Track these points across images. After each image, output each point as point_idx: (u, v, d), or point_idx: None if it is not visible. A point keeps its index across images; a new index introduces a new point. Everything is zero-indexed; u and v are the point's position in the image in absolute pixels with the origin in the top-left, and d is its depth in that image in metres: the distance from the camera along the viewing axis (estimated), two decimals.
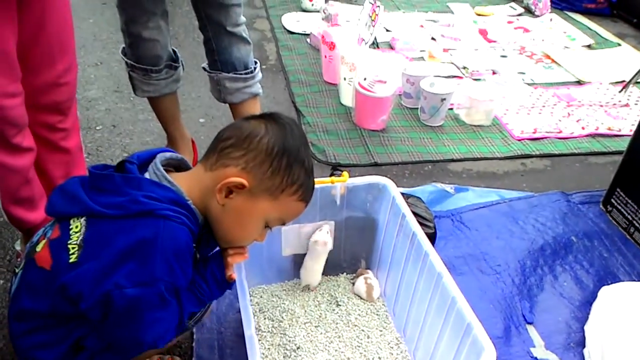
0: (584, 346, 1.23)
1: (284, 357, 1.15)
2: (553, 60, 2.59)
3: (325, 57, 2.28)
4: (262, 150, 0.89)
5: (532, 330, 1.28)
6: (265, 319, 1.23)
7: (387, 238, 1.26)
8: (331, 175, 1.30)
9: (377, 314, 1.26)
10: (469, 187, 1.73)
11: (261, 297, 1.28)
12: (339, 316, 1.25)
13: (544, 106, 2.21)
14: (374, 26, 2.29)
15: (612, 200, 1.62)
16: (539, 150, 1.95)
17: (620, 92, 2.29)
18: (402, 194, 1.26)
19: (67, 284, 0.83)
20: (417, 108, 2.12)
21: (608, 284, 1.34)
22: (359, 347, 1.18)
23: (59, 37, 1.16)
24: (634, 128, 1.54)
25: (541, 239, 1.52)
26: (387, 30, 2.78)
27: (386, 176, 1.27)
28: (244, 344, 0.92)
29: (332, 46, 2.21)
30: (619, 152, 1.93)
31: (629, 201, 1.56)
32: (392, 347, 1.18)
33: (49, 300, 0.87)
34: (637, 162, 1.55)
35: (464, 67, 2.46)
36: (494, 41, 2.76)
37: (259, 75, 1.62)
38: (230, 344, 1.19)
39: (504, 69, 2.47)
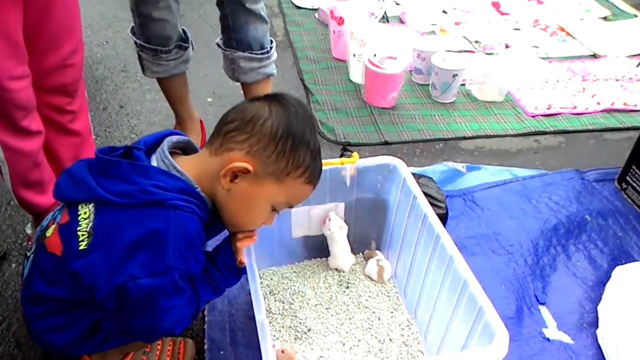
0: (597, 327, 1.22)
1: (295, 339, 1.15)
2: (568, 33, 2.52)
3: (334, 32, 2.24)
4: (266, 134, 0.88)
5: (544, 310, 1.27)
6: (275, 301, 1.23)
7: (398, 219, 1.24)
8: (341, 156, 1.28)
9: (387, 296, 1.25)
10: (481, 165, 1.71)
11: (271, 279, 1.28)
12: (349, 298, 1.25)
13: (558, 81, 2.16)
14: (383, 0, 2.24)
15: (628, 178, 1.59)
16: (552, 127, 1.91)
17: (637, 65, 2.23)
18: (413, 174, 1.24)
19: (80, 272, 0.83)
20: (428, 84, 2.08)
21: (622, 264, 1.33)
22: (370, 328, 1.18)
23: (64, 19, 1.14)
24: None
25: (554, 218, 1.50)
26: (397, 4, 2.71)
27: (396, 155, 1.25)
28: (255, 326, 0.92)
29: (340, 21, 2.16)
30: (634, 128, 1.90)
31: None
32: (403, 329, 1.18)
33: (63, 285, 0.87)
34: None
35: (476, 41, 2.41)
36: (507, 13, 2.68)
37: (275, 55, 1.59)
38: (242, 326, 1.19)
39: (517, 43, 2.41)
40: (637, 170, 1.56)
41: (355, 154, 1.22)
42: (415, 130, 1.87)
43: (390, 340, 1.16)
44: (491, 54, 2.34)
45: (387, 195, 1.26)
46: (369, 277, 1.29)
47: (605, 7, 2.77)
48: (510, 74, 2.02)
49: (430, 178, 1.44)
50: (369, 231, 1.33)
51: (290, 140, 0.89)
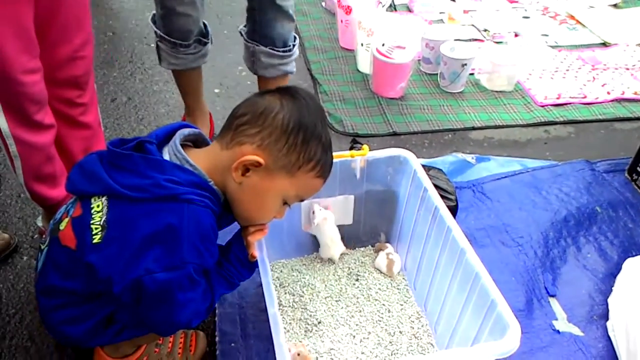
0: (607, 319, 1.22)
1: (305, 331, 1.16)
2: (577, 21, 2.49)
3: (342, 21, 2.22)
4: (278, 127, 0.87)
5: (554, 303, 1.27)
6: (286, 293, 1.23)
7: (408, 212, 1.24)
8: (351, 148, 1.28)
9: (397, 288, 1.26)
10: (491, 156, 1.70)
11: (281, 271, 1.29)
12: (359, 290, 1.25)
13: (567, 70, 2.14)
14: None
15: (638, 169, 1.58)
16: (562, 117, 1.90)
17: None
18: (423, 165, 1.24)
19: (95, 265, 0.83)
20: (437, 74, 2.07)
21: (633, 256, 1.32)
22: (380, 321, 1.18)
23: (75, 11, 1.14)
24: None
25: (564, 210, 1.50)
26: None
27: (405, 146, 1.25)
28: (266, 319, 0.92)
29: (348, 10, 2.15)
30: None
31: None
32: (413, 322, 1.18)
33: (78, 278, 0.88)
34: None
35: (485, 30, 2.38)
36: (516, 1, 2.66)
37: (296, 53, 1.57)
38: (252, 318, 1.20)
39: (526, 31, 2.39)
40: None
41: (365, 146, 1.21)
42: (424, 121, 1.86)
43: (401, 332, 1.16)
44: (500, 42, 2.31)
45: (397, 188, 1.26)
46: (379, 270, 1.30)
47: None
48: (519, 63, 2.00)
49: (440, 170, 1.43)
50: (379, 223, 1.33)
51: (301, 134, 0.89)
